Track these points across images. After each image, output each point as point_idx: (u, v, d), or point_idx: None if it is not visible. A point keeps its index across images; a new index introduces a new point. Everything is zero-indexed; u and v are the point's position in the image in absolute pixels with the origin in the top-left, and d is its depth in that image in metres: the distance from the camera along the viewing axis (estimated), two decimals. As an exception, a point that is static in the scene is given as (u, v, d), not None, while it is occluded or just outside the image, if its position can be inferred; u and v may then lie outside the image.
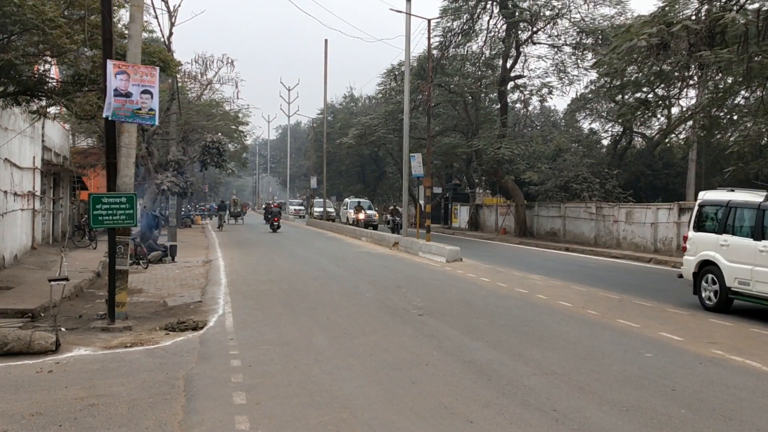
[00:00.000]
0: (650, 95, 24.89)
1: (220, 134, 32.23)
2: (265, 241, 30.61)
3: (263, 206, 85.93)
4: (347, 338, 9.26)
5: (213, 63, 36.20)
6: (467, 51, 37.22)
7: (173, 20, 25.88)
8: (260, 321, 10.60)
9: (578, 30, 33.96)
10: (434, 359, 8.02)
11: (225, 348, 8.64)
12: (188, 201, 49.35)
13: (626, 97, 26.49)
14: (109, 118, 10.31)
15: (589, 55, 33.91)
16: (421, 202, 30.60)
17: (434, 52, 33.72)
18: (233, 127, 41.49)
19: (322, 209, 52.86)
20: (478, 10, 35.13)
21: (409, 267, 19.58)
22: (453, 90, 37.65)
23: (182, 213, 42.19)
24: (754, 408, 6.30)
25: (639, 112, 24.57)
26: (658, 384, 7.02)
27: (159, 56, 16.26)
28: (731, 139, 23.94)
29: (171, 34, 25.32)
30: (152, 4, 34.84)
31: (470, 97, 38.14)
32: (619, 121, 31.92)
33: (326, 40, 47.74)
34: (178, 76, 27.77)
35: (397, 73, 40.27)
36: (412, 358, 8.05)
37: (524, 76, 37.37)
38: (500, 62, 36.95)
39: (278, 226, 38.84)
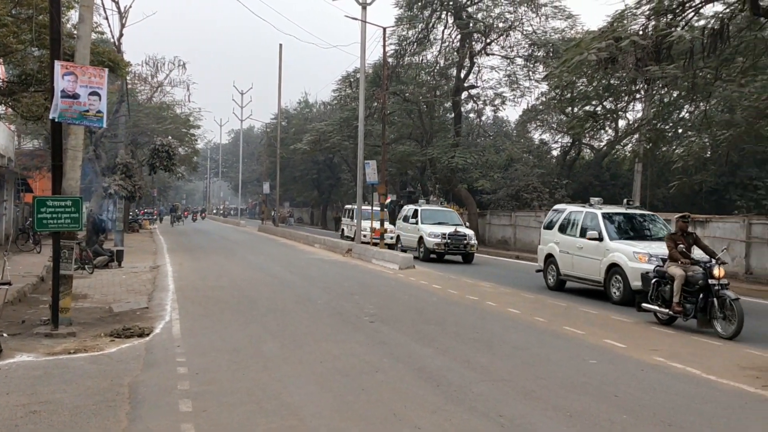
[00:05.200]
0: (599, 108, 25.44)
1: (170, 137, 31.73)
2: (216, 247, 30.30)
3: (194, 210, 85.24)
4: (298, 345, 9.23)
5: (164, 65, 35.83)
6: (422, 60, 37.53)
7: (124, 21, 25.51)
8: (209, 328, 10.49)
9: (530, 42, 34.54)
10: (385, 366, 8.05)
11: (172, 355, 8.53)
12: (136, 205, 48.48)
13: (576, 109, 27.02)
14: (56, 120, 10.10)
15: (541, 68, 34.52)
16: (376, 209, 30.67)
17: (389, 60, 33.89)
18: (184, 130, 40.96)
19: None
20: (433, 20, 35.46)
21: (362, 274, 19.61)
22: (408, 98, 37.88)
23: (130, 217, 41.44)
24: (693, 414, 6.49)
25: (588, 125, 25.05)
26: (602, 390, 7.18)
27: (108, 57, 16.02)
28: (676, 152, 24.56)
29: (121, 35, 24.97)
30: (102, 4, 34.17)
31: (425, 106, 38.41)
32: (569, 132, 32.56)
33: (281, 45, 47.81)
34: (128, 77, 27.36)
35: (352, 79, 40.37)
36: (362, 365, 8.07)
37: (478, 86, 37.86)
38: (454, 72, 37.32)
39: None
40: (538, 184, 33.72)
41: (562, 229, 16.79)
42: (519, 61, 35.82)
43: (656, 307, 11.67)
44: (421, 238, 25.03)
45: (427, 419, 6.04)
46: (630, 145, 33.15)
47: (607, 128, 31.91)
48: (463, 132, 38.60)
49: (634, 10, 16.46)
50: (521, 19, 34.29)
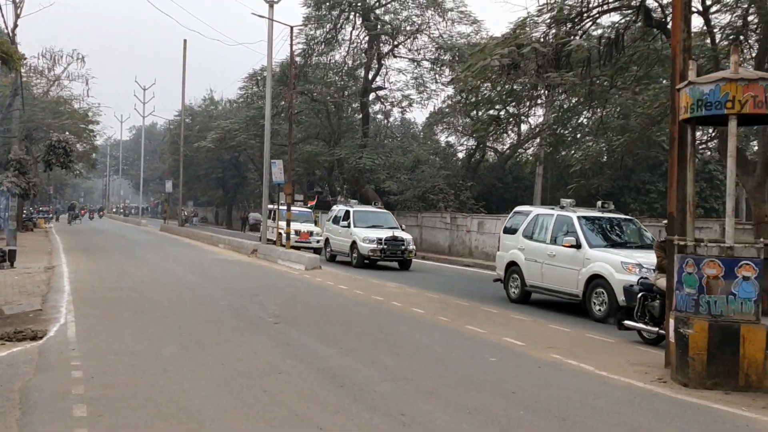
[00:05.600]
0: (502, 112, 26.10)
1: (67, 133, 30.43)
2: (115, 247, 29.26)
3: (93, 208, 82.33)
4: (199, 348, 9.03)
5: (62, 58, 34.31)
6: (330, 60, 37.47)
7: (19, 12, 24.31)
8: (106, 330, 10.11)
9: (437, 46, 35.08)
10: (288, 367, 7.99)
11: (66, 359, 8.17)
12: (31, 203, 46.20)
13: (480, 113, 27.61)
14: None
15: (447, 71, 35.13)
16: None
17: (297, 59, 33.68)
18: (82, 126, 39.30)
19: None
20: (341, 21, 35.48)
21: (267, 275, 19.39)
22: (316, 98, 37.74)
23: (24, 215, 39.45)
24: (586, 409, 6.76)
25: (492, 128, 25.65)
26: (500, 387, 7.37)
27: (1, 49, 15.21)
28: (574, 156, 25.50)
29: (16, 26, 23.80)
30: (-6, -9, 32.45)
31: (333, 106, 38.37)
32: (474, 135, 33.27)
33: (185, 41, 46.45)
34: (23, 70, 26.04)
35: (259, 78, 39.88)
36: (265, 367, 7.97)
37: (386, 88, 38.14)
38: (362, 73, 37.46)
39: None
40: (444, 186, 34.29)
41: (528, 234, 15.05)
42: (426, 64, 36.34)
43: (641, 325, 10.32)
44: (354, 243, 22.98)
45: (330, 419, 6.04)
46: (532, 148, 34.23)
47: (510, 132, 32.78)
48: (371, 133, 38.80)
49: (536, 18, 16.97)
50: (428, 22, 34.81)
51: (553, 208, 15.19)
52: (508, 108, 26.11)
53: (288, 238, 27.74)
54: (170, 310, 12.15)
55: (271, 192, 32.27)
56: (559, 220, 14.37)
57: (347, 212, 24.37)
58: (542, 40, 16.58)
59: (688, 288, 7.90)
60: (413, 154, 39.04)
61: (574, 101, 22.87)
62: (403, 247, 22.52)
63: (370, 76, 36.97)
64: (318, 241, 28.06)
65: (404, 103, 37.90)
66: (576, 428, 6.11)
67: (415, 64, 36.55)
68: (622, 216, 15.52)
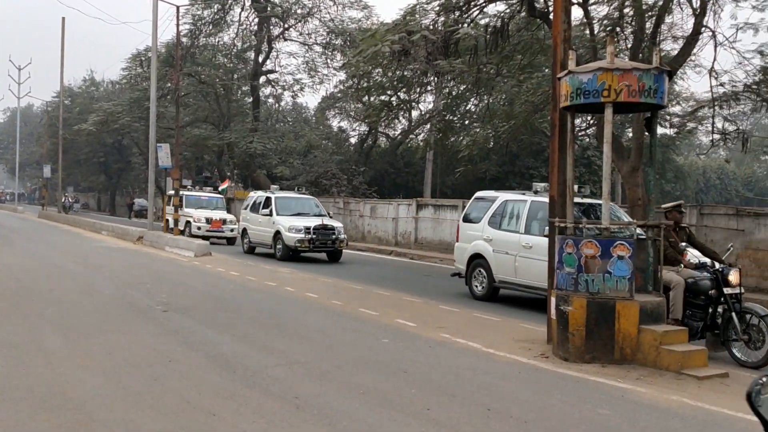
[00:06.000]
0: (393, 98, 26.38)
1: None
2: (-11, 235, 27.58)
3: None
4: (84, 338, 8.69)
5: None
6: (219, 42, 36.75)
7: None
8: (-20, 323, 9.55)
9: (328, 30, 35.05)
10: (178, 355, 7.83)
11: (-65, 354, 7.67)
12: None
13: (372, 98, 27.85)
14: None
15: (339, 56, 35.15)
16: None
17: (184, 40, 32.72)
18: (-50, 106, 36.74)
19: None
20: (230, 1, 34.75)
21: (154, 262, 18.84)
22: (204, 80, 36.87)
23: None
24: (473, 385, 7.02)
25: (383, 114, 25.98)
26: (392, 367, 7.53)
27: None
28: (463, 142, 26.18)
29: None
30: None
31: (222, 89, 37.62)
32: (366, 121, 33.51)
33: (63, 19, 44.15)
34: None
35: (143, 58, 38.49)
36: (154, 356, 7.79)
37: (276, 72, 37.75)
38: (252, 56, 36.92)
39: None
40: (336, 171, 34.36)
41: (496, 223, 13.43)
42: (317, 48, 36.26)
43: None
44: (278, 234, 20.61)
45: (223, 405, 5.99)
46: (422, 134, 34.90)
47: (401, 118, 33.32)
48: (261, 117, 38.33)
49: (425, 5, 17.26)
50: (319, 6, 34.68)
51: (524, 193, 13.75)
52: (399, 94, 26.45)
53: (176, 224, 27.05)
54: (51, 301, 11.60)
55: (158, 177, 31.32)
56: (534, 207, 12.67)
57: (268, 199, 22.00)
58: (431, 27, 16.88)
59: (568, 267, 8.32)
60: (305, 139, 38.94)
61: (462, 88, 23.47)
62: (333, 237, 20.47)
63: (260, 59, 36.48)
64: (232, 230, 26.34)
65: (296, 87, 37.75)
66: (465, 403, 6.34)
67: (307, 47, 36.41)
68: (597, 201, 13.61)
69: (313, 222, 20.35)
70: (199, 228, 26.09)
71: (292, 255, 20.20)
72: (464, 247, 14.06)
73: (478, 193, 14.93)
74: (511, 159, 31.16)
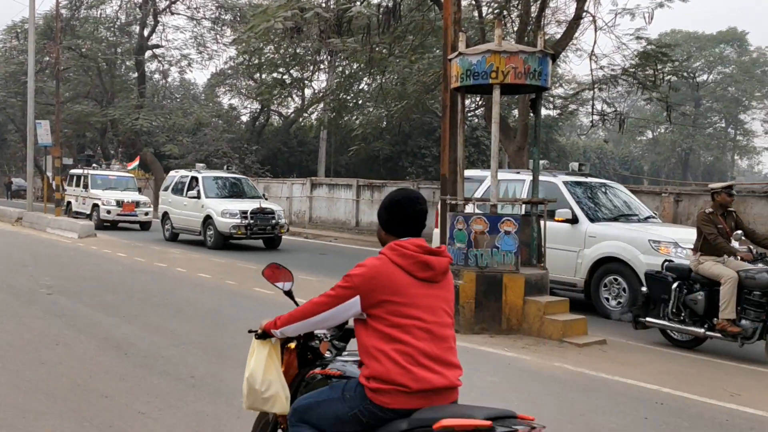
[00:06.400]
0: (286, 76, 26.15)
1: None
2: None
3: None
4: (-40, 324, 8.25)
5: None
6: (101, 14, 35.08)
7: None
8: None
9: (217, 5, 34.18)
10: (67, 339, 7.58)
11: None
12: None
13: (264, 75, 27.52)
14: None
15: (229, 32, 34.38)
16: (49, 173, 28.06)
17: (63, 11, 31.08)
18: None
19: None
20: (113, -28, 33.27)
21: (36, 244, 17.97)
22: (85, 54, 35.13)
23: None
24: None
25: (276, 92, 25.77)
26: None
27: None
28: (356, 121, 26.36)
29: None
30: None
31: (105, 64, 36.01)
32: (258, 98, 33.03)
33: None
34: None
35: (20, 30, 36.28)
36: (41, 340, 7.49)
37: (163, 46, 36.51)
38: (137, 29, 35.51)
39: None
40: (228, 150, 33.74)
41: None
42: (206, 23, 35.30)
43: (673, 324, 8.03)
44: (208, 219, 18.18)
45: (115, 387, 5.87)
46: (316, 113, 34.78)
47: (294, 96, 33.09)
48: (148, 93, 37.05)
49: (318, -18, 17.18)
50: (208, -21, 33.73)
51: (518, 172, 12.17)
52: (292, 72, 26.27)
53: (58, 204, 25.86)
54: None
55: (37, 156, 29.77)
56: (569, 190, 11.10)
57: (194, 179, 19.44)
58: (324, 5, 16.85)
59: (459, 243, 8.61)
60: (194, 116, 37.93)
61: (355, 67, 23.56)
62: (274, 221, 18.28)
63: (145, 33, 35.16)
64: (147, 214, 24.01)
65: (183, 63, 36.71)
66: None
67: (195, 22, 35.37)
68: (604, 181, 12.79)
69: (249, 205, 18.10)
70: (108, 212, 23.38)
71: (224, 243, 18.05)
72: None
73: (469, 173, 11.98)
74: (404, 138, 31.58)
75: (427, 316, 2.82)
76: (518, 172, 12.07)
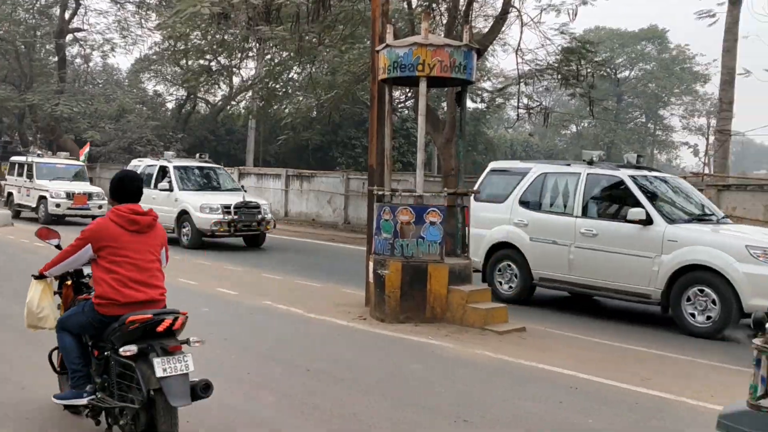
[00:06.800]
0: (213, 63, 25.69)
1: None
2: None
3: None
4: None
5: None
6: (19, -6, 33.62)
7: None
8: None
9: (142, -12, 33.25)
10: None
11: None
12: None
13: (191, 62, 26.95)
14: None
15: (154, 16, 33.47)
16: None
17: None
18: None
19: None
20: (32, -50, 31.93)
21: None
22: (3, 37, 33.65)
23: None
24: (294, 346, 7.23)
25: (203, 79, 25.28)
26: (215, 335, 7.52)
27: None
28: (286, 110, 26.12)
29: None
30: None
31: (23, 47, 34.58)
32: (184, 85, 32.34)
33: None
34: None
35: (-72, 9, 34.40)
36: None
37: (85, 30, 35.32)
38: (58, 12, 34.23)
39: None
40: (152, 137, 32.98)
41: (534, 203, 10.44)
42: (130, 7, 34.27)
43: None
44: (183, 215, 16.24)
45: (33, 378, 5.73)
46: (244, 101, 34.32)
47: (221, 84, 32.52)
48: (68, 78, 35.82)
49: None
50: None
51: (569, 164, 10.78)
52: (219, 59, 25.82)
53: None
54: None
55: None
56: (593, 181, 9.95)
57: (164, 169, 17.33)
58: (253, -9, 16.59)
59: (385, 233, 8.70)
60: (117, 103, 36.83)
61: (284, 56, 23.36)
62: (260, 217, 16.41)
63: (66, 16, 33.91)
64: (101, 207, 21.15)
65: (106, 47, 35.49)
66: (284, 365, 6.53)
67: (119, 5, 34.28)
68: (667, 176, 11.00)
69: (231, 198, 16.25)
70: (57, 205, 20.82)
71: (203, 242, 16.16)
72: (482, 234, 10.76)
73: (495, 164, 11.89)
74: (334, 128, 31.52)
75: (136, 256, 4.27)
76: (569, 164, 10.74)
